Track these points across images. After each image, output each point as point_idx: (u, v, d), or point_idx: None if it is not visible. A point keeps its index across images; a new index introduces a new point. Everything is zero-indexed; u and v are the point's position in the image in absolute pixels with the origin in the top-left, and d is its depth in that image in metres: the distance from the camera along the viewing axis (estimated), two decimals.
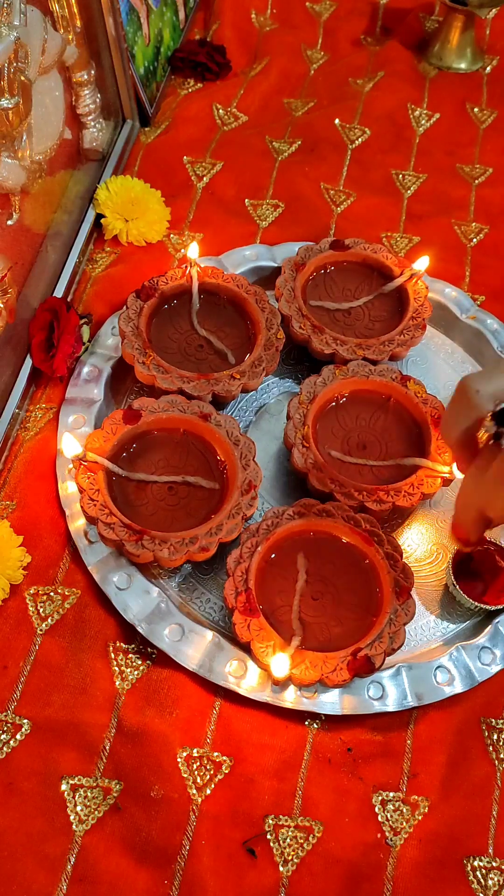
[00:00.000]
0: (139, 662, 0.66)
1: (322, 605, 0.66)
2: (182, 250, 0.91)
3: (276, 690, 0.63)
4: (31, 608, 0.67)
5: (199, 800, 0.61)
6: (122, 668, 0.65)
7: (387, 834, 0.61)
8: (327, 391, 0.74)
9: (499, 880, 0.60)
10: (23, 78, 0.67)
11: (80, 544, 0.69)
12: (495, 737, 0.65)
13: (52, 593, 0.68)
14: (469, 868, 0.60)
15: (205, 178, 0.98)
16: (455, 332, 0.88)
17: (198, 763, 0.62)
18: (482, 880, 0.60)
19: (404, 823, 0.61)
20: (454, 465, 0.70)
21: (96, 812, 0.60)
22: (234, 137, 1.04)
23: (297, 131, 1.05)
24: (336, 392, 0.75)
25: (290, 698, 0.63)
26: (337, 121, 1.06)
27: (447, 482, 0.70)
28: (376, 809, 0.62)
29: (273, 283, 0.82)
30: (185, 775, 0.61)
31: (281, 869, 0.59)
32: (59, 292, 0.83)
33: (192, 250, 0.80)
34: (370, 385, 0.76)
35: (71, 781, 0.61)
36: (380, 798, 0.62)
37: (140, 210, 0.90)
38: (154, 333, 0.78)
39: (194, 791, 0.61)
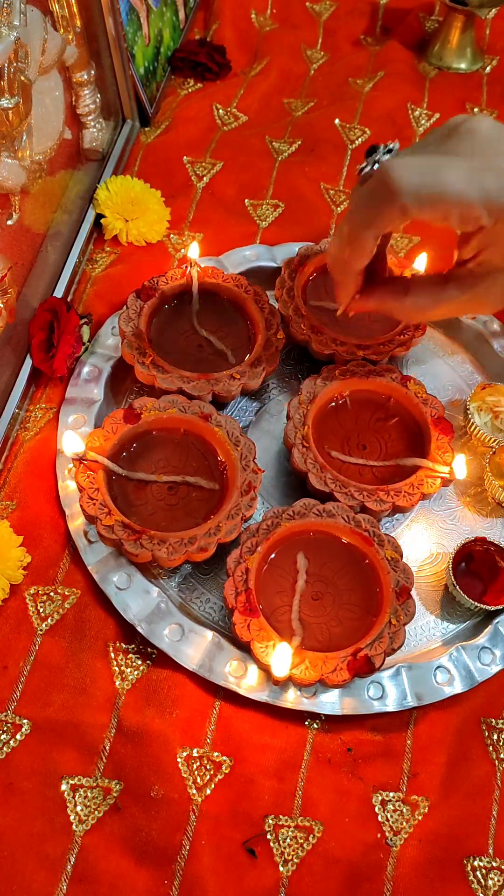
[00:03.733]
0: (139, 662, 0.66)
1: (322, 605, 0.66)
2: (182, 250, 0.91)
3: (276, 690, 0.63)
4: (31, 608, 0.67)
5: (199, 800, 0.61)
6: (122, 668, 0.65)
7: (387, 834, 0.61)
8: (327, 391, 0.74)
9: (499, 880, 0.60)
10: (23, 78, 0.67)
11: (79, 544, 0.69)
12: (495, 737, 0.65)
13: (52, 593, 0.68)
14: (469, 868, 0.60)
15: (205, 178, 0.98)
16: (455, 332, 0.88)
17: (198, 763, 0.62)
18: (482, 880, 0.60)
19: (404, 823, 0.61)
20: (454, 465, 0.70)
21: (96, 812, 0.60)
22: (234, 137, 1.04)
23: (297, 131, 1.05)
24: (336, 392, 0.75)
25: (290, 698, 0.63)
26: (337, 121, 1.06)
27: (447, 482, 0.70)
28: (376, 809, 0.62)
29: (273, 283, 0.82)
30: (185, 775, 0.61)
31: (281, 869, 0.59)
32: (59, 292, 0.83)
33: (192, 250, 0.80)
34: (370, 385, 0.76)
35: (71, 781, 0.61)
36: (380, 798, 0.62)
37: (140, 210, 0.90)
38: (154, 333, 0.78)
39: (194, 791, 0.61)
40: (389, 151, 0.54)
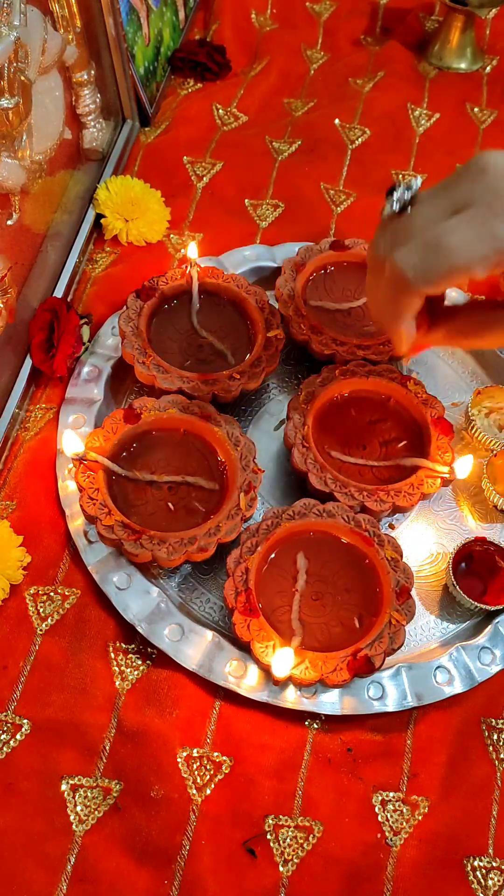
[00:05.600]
0: (139, 662, 0.66)
1: (322, 605, 0.66)
2: (182, 250, 0.91)
3: (276, 690, 0.63)
4: (31, 608, 0.67)
5: (199, 800, 0.61)
6: (122, 668, 0.65)
7: (387, 834, 0.61)
8: (327, 391, 0.74)
9: (499, 880, 0.60)
10: (23, 78, 0.67)
11: (79, 544, 0.69)
12: (495, 737, 0.65)
13: (52, 593, 0.68)
14: (469, 868, 0.60)
15: (205, 178, 0.98)
16: None
17: (198, 763, 0.62)
18: (482, 880, 0.60)
19: (404, 823, 0.61)
20: (454, 465, 0.70)
21: (96, 812, 0.60)
22: (234, 137, 1.04)
23: (297, 131, 1.05)
24: (336, 392, 0.75)
25: (290, 698, 0.63)
26: (337, 121, 1.06)
27: (447, 482, 0.70)
28: (376, 809, 0.62)
29: (273, 283, 0.82)
30: (185, 775, 0.61)
31: (281, 869, 0.59)
32: (59, 292, 0.83)
33: (192, 250, 0.80)
34: (370, 385, 0.76)
35: (71, 781, 0.61)
36: (380, 798, 0.62)
37: (140, 210, 0.90)
38: (154, 333, 0.78)
39: (194, 791, 0.61)
40: (409, 188, 0.50)
